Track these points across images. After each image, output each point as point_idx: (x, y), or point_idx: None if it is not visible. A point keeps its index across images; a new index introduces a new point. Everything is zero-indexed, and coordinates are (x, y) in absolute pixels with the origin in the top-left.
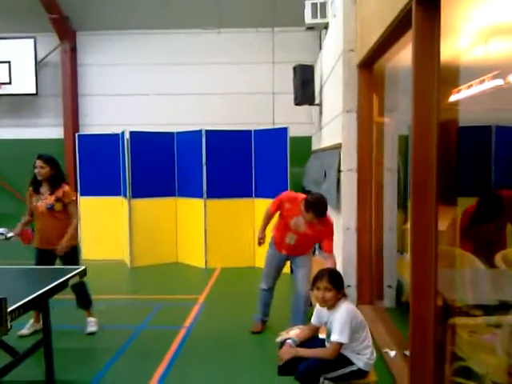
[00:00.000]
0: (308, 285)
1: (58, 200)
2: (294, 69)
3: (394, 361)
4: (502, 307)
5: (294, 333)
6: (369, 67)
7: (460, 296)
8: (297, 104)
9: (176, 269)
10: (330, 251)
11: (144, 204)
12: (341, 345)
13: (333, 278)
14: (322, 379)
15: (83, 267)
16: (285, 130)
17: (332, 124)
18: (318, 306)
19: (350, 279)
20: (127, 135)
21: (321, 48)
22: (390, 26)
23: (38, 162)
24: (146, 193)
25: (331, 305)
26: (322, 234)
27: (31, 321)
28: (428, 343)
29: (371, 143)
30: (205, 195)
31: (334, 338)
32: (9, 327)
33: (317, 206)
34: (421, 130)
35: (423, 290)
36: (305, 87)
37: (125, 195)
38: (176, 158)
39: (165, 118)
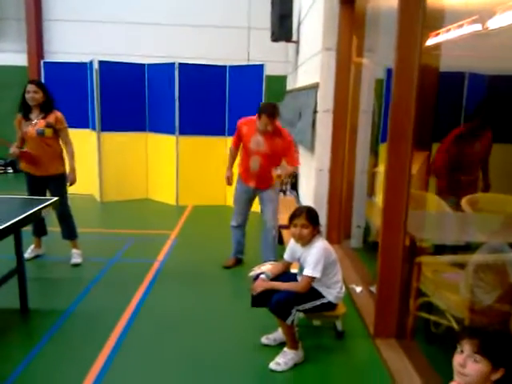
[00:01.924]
0: (276, 219)
1: (48, 126)
2: (272, 1)
3: (360, 296)
4: (465, 248)
5: (266, 268)
6: (351, 4)
7: (427, 236)
8: (274, 40)
9: (146, 205)
10: (296, 164)
11: (114, 138)
12: (313, 279)
13: (310, 215)
14: (294, 310)
15: (55, 198)
16: (261, 66)
17: (309, 62)
18: (291, 242)
19: (321, 219)
20: (96, 65)
21: None
22: None
23: (31, 87)
24: (116, 126)
25: (306, 241)
26: (282, 147)
27: (32, 246)
28: (395, 279)
29: (348, 84)
30: (177, 131)
31: (307, 272)
32: None
33: (265, 107)
34: (403, 72)
35: (393, 229)
36: (283, 22)
37: (93, 128)
38: (147, 91)
39: (134, 48)
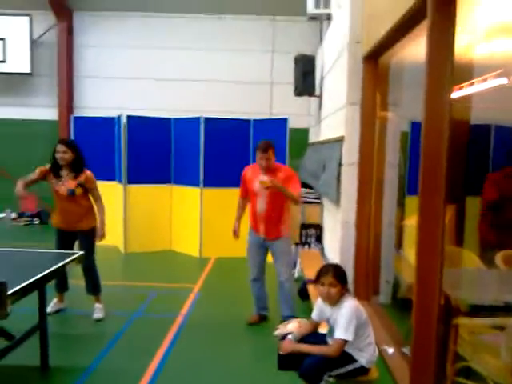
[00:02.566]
0: (290, 272)
1: (79, 185)
2: (296, 59)
3: (392, 358)
4: (505, 309)
5: (292, 326)
6: (374, 60)
7: (464, 295)
8: (297, 94)
9: (170, 257)
10: (296, 190)
11: (139, 190)
12: (345, 342)
13: (338, 274)
14: (325, 376)
15: (80, 252)
16: (285, 120)
17: (333, 116)
18: (319, 301)
19: (347, 274)
20: (124, 119)
21: (321, 39)
22: (402, 17)
23: (60, 147)
24: (142, 179)
25: (335, 301)
26: (284, 179)
27: (55, 300)
28: (431, 341)
29: (373, 137)
30: (202, 184)
31: (339, 334)
32: (8, 311)
33: (258, 144)
34: (432, 125)
35: (428, 287)
36: (306, 78)
37: (120, 180)
38: (173, 144)
39: (161, 103)
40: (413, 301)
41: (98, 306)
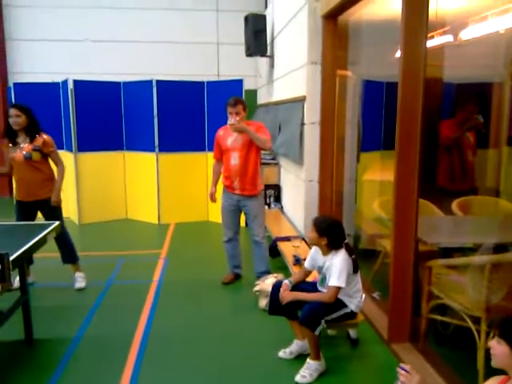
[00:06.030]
0: (263, 231)
1: (36, 149)
2: (246, 18)
3: (365, 303)
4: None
5: (271, 281)
6: (334, 19)
7: (436, 240)
8: (248, 55)
9: (128, 225)
10: (266, 136)
11: (90, 158)
12: (339, 289)
13: (317, 224)
14: (322, 321)
15: (58, 222)
16: (240, 82)
17: (290, 76)
18: (312, 251)
19: None
20: (71, 84)
21: None
22: None
23: (13, 111)
24: (93, 146)
25: (325, 251)
26: (256, 131)
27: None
28: (408, 285)
29: (334, 96)
30: (157, 149)
31: (333, 282)
32: (12, 283)
33: (228, 100)
34: (409, 83)
35: (404, 235)
36: (257, 38)
37: (69, 149)
38: (123, 109)
39: (103, 67)
40: (391, 248)
41: (78, 274)
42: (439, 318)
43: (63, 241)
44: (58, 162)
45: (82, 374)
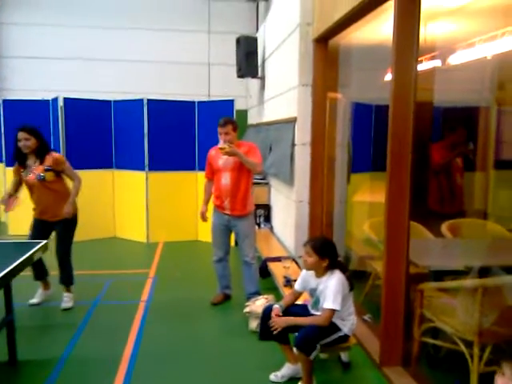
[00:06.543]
0: (254, 252)
1: (48, 170)
2: (238, 40)
3: (357, 325)
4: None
5: (261, 302)
6: (325, 42)
7: (427, 263)
8: (240, 76)
9: (116, 243)
10: (258, 161)
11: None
12: (334, 312)
13: (315, 245)
14: (318, 345)
15: (45, 241)
16: (231, 102)
17: (282, 98)
18: (303, 272)
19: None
20: (61, 102)
21: (257, 20)
22: (359, 4)
23: (22, 135)
24: (82, 164)
25: (320, 272)
26: (247, 154)
27: (40, 290)
28: (399, 308)
29: (325, 118)
30: (147, 168)
31: (328, 305)
32: None
33: (219, 120)
34: (400, 106)
35: (396, 258)
36: (249, 59)
37: None
38: (113, 127)
39: (93, 85)
40: (382, 270)
41: (67, 294)
42: (431, 341)
43: (65, 263)
44: (74, 177)
45: None
